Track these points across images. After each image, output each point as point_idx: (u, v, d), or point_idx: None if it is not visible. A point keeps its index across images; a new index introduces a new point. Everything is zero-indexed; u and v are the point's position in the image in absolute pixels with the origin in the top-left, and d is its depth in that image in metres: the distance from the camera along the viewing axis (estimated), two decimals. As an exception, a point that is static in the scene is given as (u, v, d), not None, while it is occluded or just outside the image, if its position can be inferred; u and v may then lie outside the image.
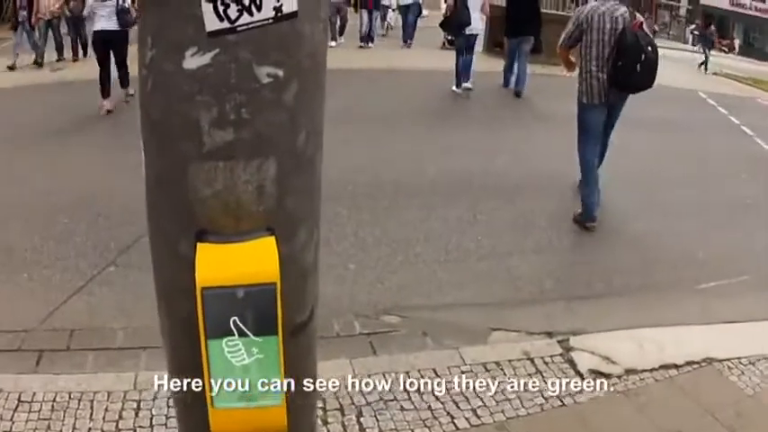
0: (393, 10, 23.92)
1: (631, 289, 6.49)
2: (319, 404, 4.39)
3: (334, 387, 4.54)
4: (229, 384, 1.70)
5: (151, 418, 4.13)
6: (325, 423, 4.29)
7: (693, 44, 68.00)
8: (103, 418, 4.12)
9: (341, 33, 20.24)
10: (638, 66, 7.15)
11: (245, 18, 1.49)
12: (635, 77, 7.24)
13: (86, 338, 5.00)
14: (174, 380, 1.94)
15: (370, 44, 20.51)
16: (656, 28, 67.88)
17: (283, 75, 1.54)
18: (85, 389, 4.34)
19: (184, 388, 1.87)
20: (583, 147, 7.71)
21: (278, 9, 1.51)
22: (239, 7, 1.48)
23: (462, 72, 14.20)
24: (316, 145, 1.71)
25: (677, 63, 33.77)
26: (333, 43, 17.30)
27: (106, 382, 4.41)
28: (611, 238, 7.63)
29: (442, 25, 15.18)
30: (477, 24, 14.28)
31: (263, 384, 1.72)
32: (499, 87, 15.07)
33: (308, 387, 2.03)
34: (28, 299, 5.53)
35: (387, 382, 4.73)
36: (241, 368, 1.68)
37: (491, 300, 6.04)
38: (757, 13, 76.41)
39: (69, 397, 4.28)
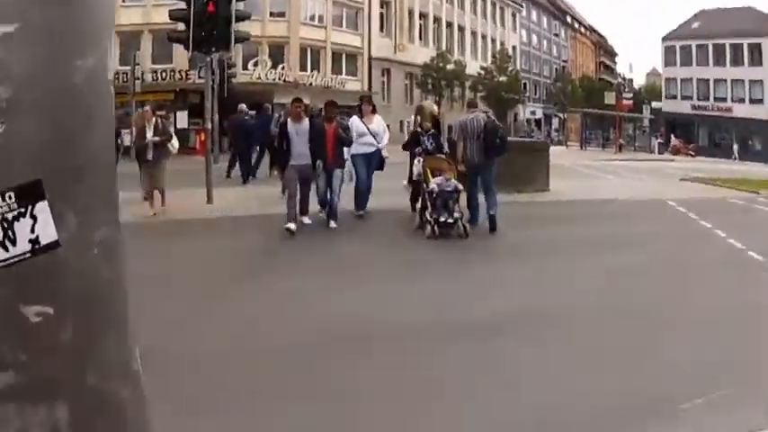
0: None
1: (609, 413, 6.26)
2: None
3: None
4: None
5: None
6: None
7: (659, 152, 70.01)
8: None
9: (304, 211, 14.92)
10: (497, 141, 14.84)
11: (1, 254, 1.40)
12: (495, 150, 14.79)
13: None
14: None
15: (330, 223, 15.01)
16: (622, 142, 69.87)
17: (54, 312, 1.44)
18: None
19: None
20: (471, 188, 14.79)
21: (34, 241, 1.41)
22: (-7, 243, 1.39)
23: None
24: (117, 381, 1.58)
25: (643, 174, 34.58)
26: (291, 225, 13.76)
27: None
28: (578, 371, 7.41)
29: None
30: None
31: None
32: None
33: None
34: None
35: None
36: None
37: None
38: (720, 113, 78.86)
39: None
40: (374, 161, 16.55)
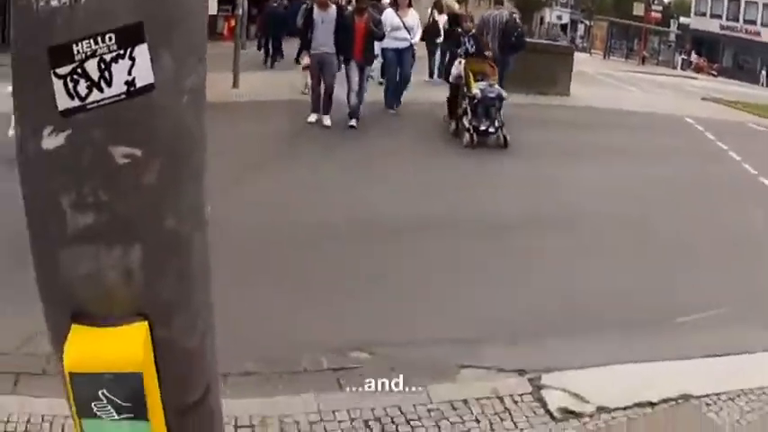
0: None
1: (607, 325, 6.39)
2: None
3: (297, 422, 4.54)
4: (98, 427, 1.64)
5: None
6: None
7: (682, 69, 68.56)
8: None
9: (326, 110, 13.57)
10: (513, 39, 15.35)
11: (96, 95, 1.41)
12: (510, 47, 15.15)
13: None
14: None
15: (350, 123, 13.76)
16: (646, 54, 68.36)
17: (142, 154, 1.46)
18: (58, 412, 4.23)
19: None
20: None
21: (130, 83, 1.43)
22: (88, 83, 1.40)
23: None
24: (193, 226, 1.62)
25: (665, 88, 34.01)
26: (311, 118, 13.61)
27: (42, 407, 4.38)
28: (587, 274, 7.54)
29: None
30: None
31: (133, 429, 1.65)
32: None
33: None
34: (7, 322, 5.40)
35: (351, 418, 4.67)
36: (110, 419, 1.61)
37: (461, 336, 5.94)
38: (748, 36, 76.80)
39: (42, 419, 4.30)
40: (406, 57, 15.54)
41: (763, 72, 68.86)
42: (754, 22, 76.52)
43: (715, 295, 7.13)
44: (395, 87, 15.57)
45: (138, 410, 1.59)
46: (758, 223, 9.86)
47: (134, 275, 1.54)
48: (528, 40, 18.47)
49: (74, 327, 1.55)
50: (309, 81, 14.47)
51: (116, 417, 1.61)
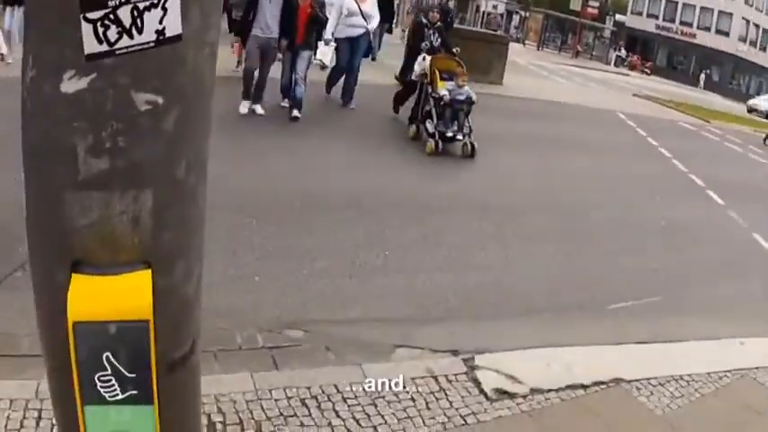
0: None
1: (540, 309, 6.52)
2: (219, 418, 4.31)
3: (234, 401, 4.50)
4: (102, 415, 1.62)
5: (52, 428, 3.96)
6: (226, 438, 4.18)
7: (615, 65, 69.55)
8: (5, 427, 3.94)
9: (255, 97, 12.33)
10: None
11: (125, 41, 1.41)
12: None
13: None
14: (55, 406, 1.85)
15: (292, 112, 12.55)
16: (580, 49, 69.17)
17: (163, 102, 1.47)
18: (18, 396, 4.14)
19: (63, 415, 1.78)
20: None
21: (160, 32, 1.44)
22: (119, 29, 1.40)
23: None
24: (198, 176, 1.63)
25: (597, 83, 34.55)
26: (243, 109, 12.18)
27: (9, 390, 4.19)
28: (521, 259, 7.69)
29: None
30: None
31: (136, 417, 1.64)
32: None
33: (190, 421, 1.92)
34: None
35: (288, 397, 4.66)
36: (115, 403, 1.60)
37: (396, 316, 6.00)
38: (683, 37, 78.31)
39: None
40: (361, 45, 14.27)
41: (702, 75, 70.18)
42: (690, 24, 78.07)
43: (648, 284, 7.34)
44: (339, 77, 14.40)
45: (142, 362, 1.58)
46: (690, 217, 10.16)
47: (141, 223, 1.54)
48: (466, 27, 18.46)
49: (75, 276, 1.54)
50: (244, 65, 13.31)
51: (120, 395, 1.60)
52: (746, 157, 18.40)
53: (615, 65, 69.61)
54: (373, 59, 16.87)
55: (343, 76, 14.30)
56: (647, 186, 11.74)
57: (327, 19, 13.39)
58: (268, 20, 11.93)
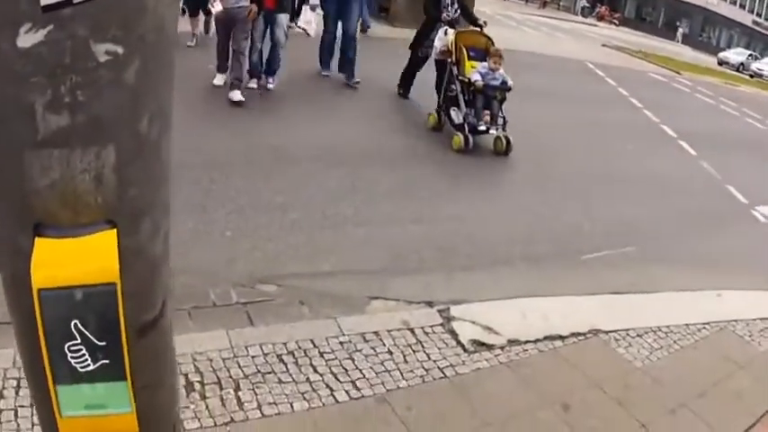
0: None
1: (514, 259, 6.54)
2: (197, 378, 4.28)
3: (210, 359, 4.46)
4: (75, 391, 1.55)
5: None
6: (204, 398, 4.14)
7: (584, 16, 69.30)
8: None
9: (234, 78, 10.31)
10: None
11: (86, -12, 1.32)
12: None
13: None
14: (28, 378, 1.77)
15: (268, 82, 11.16)
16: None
17: (123, 52, 1.37)
18: None
19: (36, 389, 1.71)
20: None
21: (117, -21, 1.34)
22: (76, -21, 1.31)
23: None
24: (161, 128, 1.55)
25: (566, 33, 34.45)
26: (219, 80, 10.73)
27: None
28: (495, 209, 7.68)
29: None
30: None
31: (110, 391, 1.57)
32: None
33: (165, 386, 1.86)
34: None
35: (264, 353, 4.63)
36: (86, 374, 1.53)
37: (370, 268, 5.98)
38: (651, -12, 77.85)
39: None
40: (352, 7, 12.00)
41: (680, 30, 69.70)
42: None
43: (622, 234, 7.37)
44: (332, 49, 12.44)
45: (112, 328, 1.50)
46: (662, 167, 10.20)
47: (105, 180, 1.45)
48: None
49: (38, 240, 1.45)
50: (198, 31, 12.73)
51: (91, 365, 1.52)
52: (718, 108, 18.52)
53: (583, 15, 69.41)
54: (363, 31, 14.96)
55: (338, 47, 12.37)
56: (619, 136, 11.82)
57: None
58: None
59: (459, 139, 9.53)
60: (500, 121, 9.74)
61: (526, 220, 7.48)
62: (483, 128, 9.64)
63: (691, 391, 4.95)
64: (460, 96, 9.86)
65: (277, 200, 6.90)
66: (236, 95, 10.03)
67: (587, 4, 74.72)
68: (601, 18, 69.47)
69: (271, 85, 11.02)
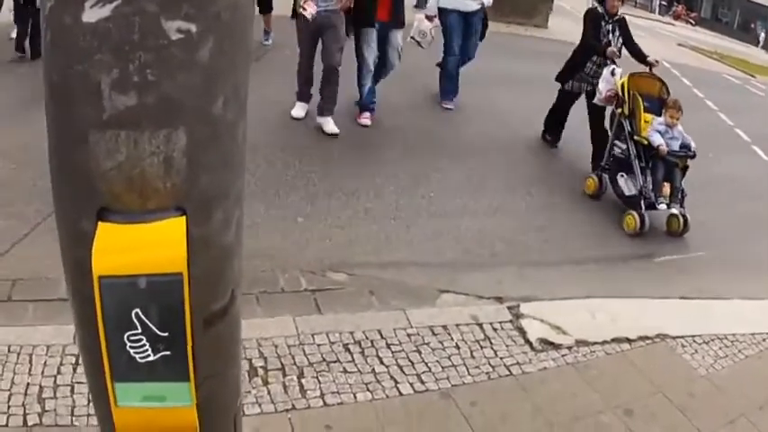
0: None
1: (586, 258, 6.42)
2: (260, 363, 4.27)
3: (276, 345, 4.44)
4: (133, 382, 1.49)
5: (90, 373, 3.92)
6: (266, 383, 4.14)
7: (660, 14, 68.05)
8: (42, 373, 3.93)
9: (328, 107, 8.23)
10: None
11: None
12: None
13: (28, 289, 4.70)
14: (85, 366, 1.73)
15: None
16: (628, -5, 67.44)
17: (197, 30, 1.29)
18: (24, 342, 4.13)
19: (92, 377, 1.67)
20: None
21: (193, -50, 1.27)
22: (147, -53, 1.24)
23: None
24: (237, 111, 1.47)
25: (642, 31, 33.86)
26: (297, 111, 8.48)
27: (45, 336, 4.20)
28: (568, 206, 7.53)
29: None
30: None
31: (170, 383, 1.51)
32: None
33: (229, 378, 1.80)
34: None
35: (330, 342, 4.60)
36: (146, 365, 1.46)
37: (441, 260, 5.90)
38: (728, -12, 76.03)
39: (8, 350, 4.07)
40: (474, 25, 9.85)
41: (762, 34, 67.67)
42: (735, -26, 75.94)
43: (694, 238, 7.19)
44: (456, 69, 10.08)
45: (176, 319, 1.44)
46: (736, 171, 9.94)
47: (175, 164, 1.38)
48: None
49: (101, 225, 1.39)
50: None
51: (151, 355, 1.46)
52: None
53: (660, 13, 68.06)
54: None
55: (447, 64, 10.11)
56: (693, 138, 11.54)
57: None
58: None
59: (633, 220, 7.33)
60: (679, 194, 7.60)
61: (597, 218, 7.32)
62: (663, 206, 7.46)
63: (752, 401, 4.80)
64: (635, 163, 7.66)
65: (351, 187, 6.87)
66: (330, 125, 8.06)
67: (664, 3, 73.35)
68: (677, 17, 67.96)
69: (366, 122, 8.69)
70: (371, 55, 8.38)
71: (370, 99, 8.68)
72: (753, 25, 69.24)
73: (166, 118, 1.33)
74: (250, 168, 6.87)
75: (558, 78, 9.10)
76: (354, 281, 5.41)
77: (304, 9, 7.53)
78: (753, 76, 23.98)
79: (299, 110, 8.39)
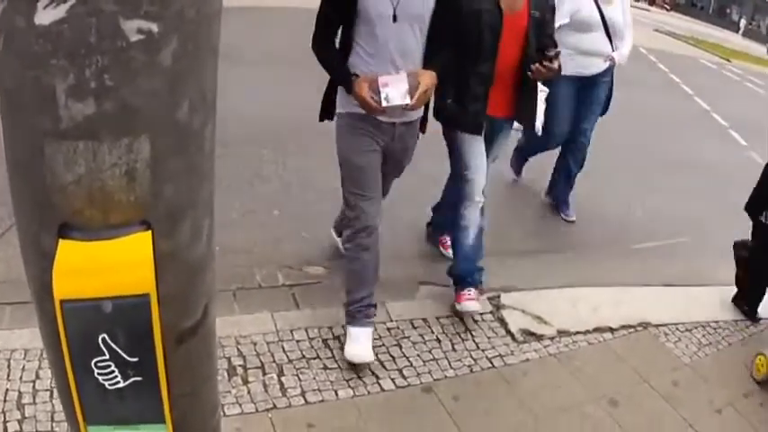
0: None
1: (566, 247, 6.37)
2: (239, 362, 4.18)
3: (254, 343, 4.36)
4: (103, 410, 1.39)
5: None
6: (246, 383, 4.04)
7: (635, 0, 68.08)
8: (20, 378, 3.80)
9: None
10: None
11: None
12: None
13: (4, 292, 4.54)
14: (58, 390, 1.63)
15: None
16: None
17: (158, 30, 1.18)
18: (2, 346, 4.01)
19: (64, 402, 1.57)
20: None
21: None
22: (100, -56, 1.13)
23: None
24: (205, 116, 1.36)
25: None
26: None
27: (23, 340, 4.05)
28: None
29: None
30: None
31: (142, 410, 1.41)
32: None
33: (204, 395, 1.70)
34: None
35: (309, 338, 4.51)
36: (116, 392, 1.37)
37: (420, 253, 5.81)
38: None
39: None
40: (598, 92, 6.70)
41: (742, 20, 67.75)
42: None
43: (674, 224, 7.17)
44: (540, 149, 7.35)
45: (145, 343, 1.34)
46: (713, 157, 9.96)
47: (138, 176, 1.28)
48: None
49: (62, 243, 1.29)
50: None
51: (121, 382, 1.36)
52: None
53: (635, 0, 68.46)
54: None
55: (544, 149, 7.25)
56: (671, 123, 11.58)
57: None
58: (392, 56, 4.01)
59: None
60: None
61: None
62: None
63: (737, 390, 4.77)
64: None
65: (327, 178, 6.76)
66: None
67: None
68: (653, 2, 68.40)
69: (474, 308, 4.98)
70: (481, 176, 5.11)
71: (475, 277, 5.08)
72: (728, 10, 69.74)
73: (127, 126, 1.23)
74: (221, 162, 6.76)
75: (747, 208, 5.75)
76: (332, 274, 5.30)
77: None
78: (728, 60, 24.27)
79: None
